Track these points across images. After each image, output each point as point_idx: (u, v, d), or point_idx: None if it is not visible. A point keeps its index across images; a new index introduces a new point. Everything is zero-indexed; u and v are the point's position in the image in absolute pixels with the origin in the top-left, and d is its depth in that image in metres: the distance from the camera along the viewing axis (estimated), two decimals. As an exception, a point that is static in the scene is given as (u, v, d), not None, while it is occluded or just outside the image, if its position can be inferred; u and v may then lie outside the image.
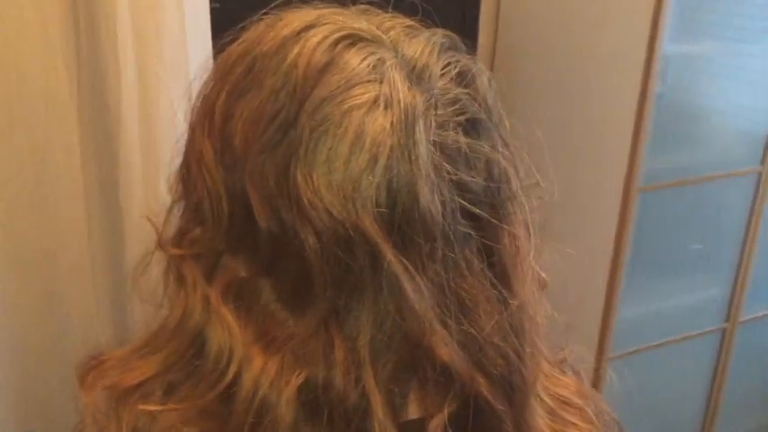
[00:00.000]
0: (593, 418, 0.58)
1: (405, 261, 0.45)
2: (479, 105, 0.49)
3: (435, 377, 0.47)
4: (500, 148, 0.50)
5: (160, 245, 0.53)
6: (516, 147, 0.52)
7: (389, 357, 0.47)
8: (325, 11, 0.51)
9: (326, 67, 0.46)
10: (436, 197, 0.45)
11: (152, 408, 0.49)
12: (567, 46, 1.60)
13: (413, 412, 0.50)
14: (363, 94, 0.45)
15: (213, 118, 0.49)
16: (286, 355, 0.47)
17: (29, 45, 0.99)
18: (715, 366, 1.90)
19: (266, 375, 0.46)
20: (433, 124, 0.46)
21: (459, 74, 0.49)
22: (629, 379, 1.70)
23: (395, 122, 0.45)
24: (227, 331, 0.48)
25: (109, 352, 0.55)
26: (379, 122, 0.45)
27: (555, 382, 0.57)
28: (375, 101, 0.45)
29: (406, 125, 0.45)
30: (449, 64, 0.49)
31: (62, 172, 1.06)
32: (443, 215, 0.46)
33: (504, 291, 0.50)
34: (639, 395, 1.77)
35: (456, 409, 0.48)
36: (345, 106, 0.45)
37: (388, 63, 0.47)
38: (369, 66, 0.46)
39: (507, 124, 0.52)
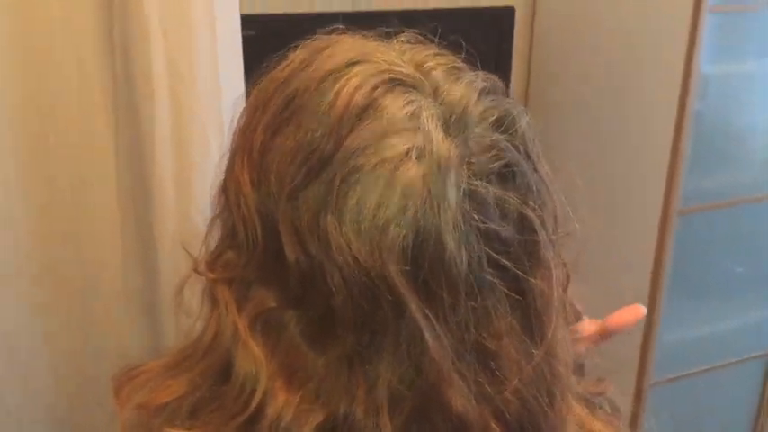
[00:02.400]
0: None
1: (427, 311, 0.45)
2: (517, 150, 0.49)
3: (450, 428, 0.47)
4: (535, 195, 0.49)
5: (195, 267, 0.54)
6: (555, 188, 0.52)
7: (406, 404, 0.47)
8: (370, 46, 0.51)
9: (363, 113, 0.46)
10: (463, 248, 0.45)
11: (172, 431, 0.50)
12: (604, 66, 1.58)
13: None
14: (398, 144, 0.45)
15: (252, 150, 0.50)
16: (308, 391, 0.47)
17: (65, 79, 1.01)
18: (761, 393, 1.85)
19: (288, 409, 0.47)
20: (466, 174, 0.46)
21: (498, 119, 0.49)
22: (672, 406, 1.67)
23: (426, 174, 0.45)
24: (254, 361, 0.48)
25: (144, 364, 0.56)
26: (411, 174, 0.45)
27: (588, 425, 0.56)
28: (408, 152, 0.45)
29: (438, 177, 0.45)
30: (488, 109, 0.49)
31: (98, 201, 1.08)
32: (469, 266, 0.46)
33: (529, 340, 0.49)
34: (683, 423, 1.73)
35: None
36: (379, 157, 0.45)
37: (425, 112, 0.47)
38: (406, 114, 0.46)
39: (546, 167, 0.52)
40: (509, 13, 1.56)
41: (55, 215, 1.07)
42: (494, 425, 0.48)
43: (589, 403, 0.58)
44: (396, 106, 0.46)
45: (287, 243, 0.47)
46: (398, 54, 0.51)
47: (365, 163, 0.45)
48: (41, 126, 1.02)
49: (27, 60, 0.99)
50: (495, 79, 0.51)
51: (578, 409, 0.55)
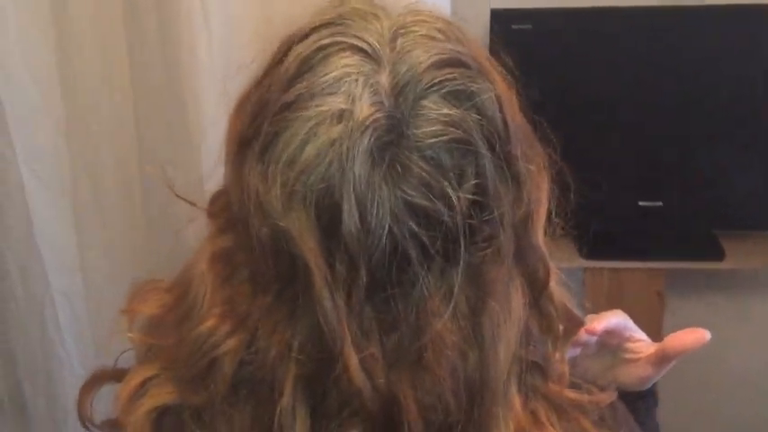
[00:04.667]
0: None
1: (328, 276, 0.47)
2: (472, 127, 0.48)
3: (350, 396, 0.49)
4: (481, 178, 0.48)
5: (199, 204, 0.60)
6: (528, 179, 0.51)
7: (311, 360, 0.49)
8: (360, 5, 0.51)
9: (304, 72, 0.48)
10: (370, 215, 0.46)
11: (129, 335, 0.58)
12: None
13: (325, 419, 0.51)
14: (324, 105, 0.47)
15: (246, 97, 0.53)
16: (237, 324, 0.51)
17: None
18: None
19: (217, 334, 0.51)
20: (396, 144, 0.46)
21: (453, 93, 0.48)
22: None
23: (340, 137, 0.46)
24: (203, 289, 0.53)
25: (161, 280, 0.62)
26: (328, 134, 0.46)
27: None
28: (332, 113, 0.46)
29: (350, 141, 0.46)
30: (441, 81, 0.48)
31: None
32: (378, 236, 0.46)
33: (459, 333, 0.49)
34: None
35: (371, 428, 0.50)
36: (299, 114, 0.47)
37: (360, 78, 0.47)
38: (339, 77, 0.47)
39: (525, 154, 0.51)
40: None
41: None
42: (399, 411, 0.48)
43: (559, 408, 0.55)
44: (332, 69, 0.47)
45: (232, 190, 0.52)
46: (384, 17, 0.50)
47: (292, 118, 0.47)
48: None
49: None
50: (461, 51, 0.49)
51: (522, 417, 0.52)
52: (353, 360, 0.47)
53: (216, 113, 1.04)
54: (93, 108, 1.14)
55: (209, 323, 0.52)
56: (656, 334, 0.78)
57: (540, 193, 0.54)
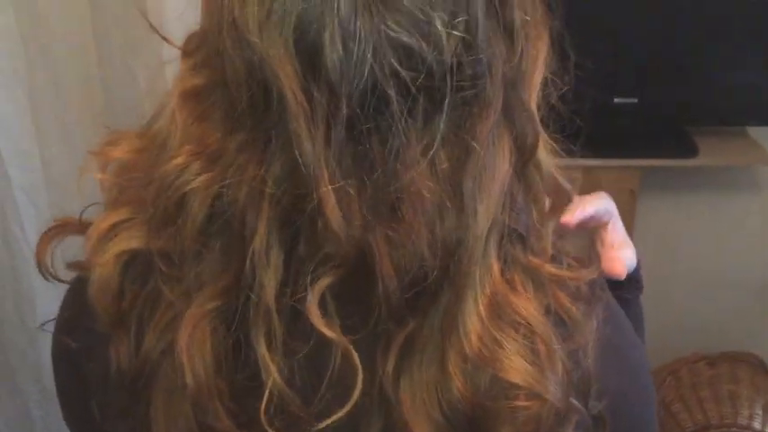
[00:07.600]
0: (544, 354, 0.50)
1: (305, 105, 0.44)
2: None
3: (325, 239, 0.47)
4: (479, 19, 0.45)
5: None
6: (534, 29, 0.50)
7: (285, 199, 0.47)
8: None
9: None
10: (352, 48, 0.43)
11: (98, 176, 0.56)
12: None
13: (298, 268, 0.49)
14: None
15: None
16: (209, 162, 0.49)
17: None
18: None
19: (187, 171, 0.49)
20: None
21: None
22: None
23: None
24: (174, 129, 0.50)
25: (128, 131, 0.59)
26: None
27: (507, 297, 0.51)
28: None
29: None
30: None
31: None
32: (358, 73, 0.44)
33: (439, 186, 0.47)
34: None
35: (344, 276, 0.48)
36: None
37: None
38: None
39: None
40: None
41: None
42: (372, 260, 0.47)
43: (536, 280, 0.53)
44: None
45: (207, 14, 0.49)
46: None
47: None
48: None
49: None
50: None
51: (499, 282, 0.50)
52: (330, 197, 0.45)
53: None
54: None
55: (179, 160, 0.50)
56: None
57: (537, 52, 0.52)
